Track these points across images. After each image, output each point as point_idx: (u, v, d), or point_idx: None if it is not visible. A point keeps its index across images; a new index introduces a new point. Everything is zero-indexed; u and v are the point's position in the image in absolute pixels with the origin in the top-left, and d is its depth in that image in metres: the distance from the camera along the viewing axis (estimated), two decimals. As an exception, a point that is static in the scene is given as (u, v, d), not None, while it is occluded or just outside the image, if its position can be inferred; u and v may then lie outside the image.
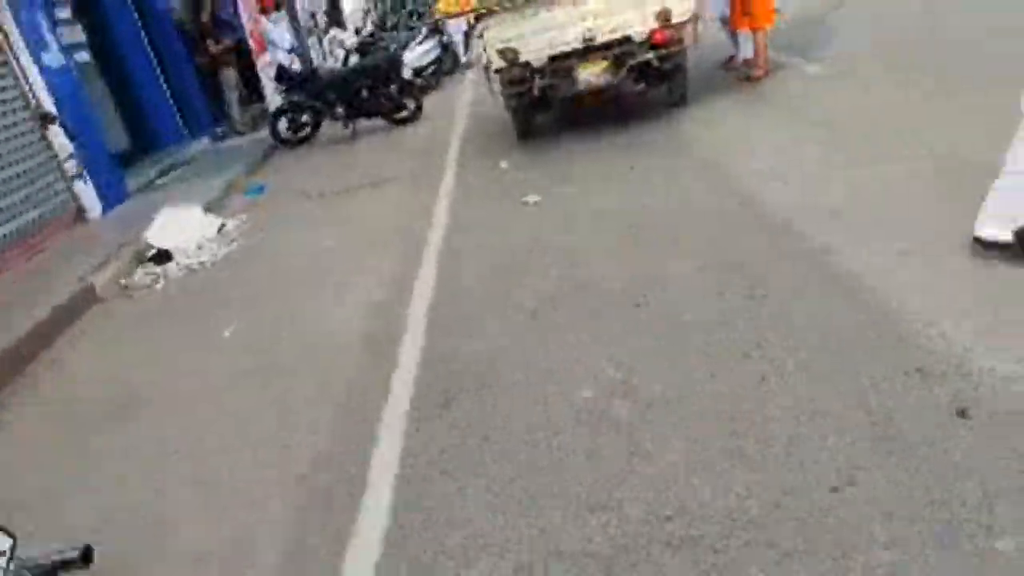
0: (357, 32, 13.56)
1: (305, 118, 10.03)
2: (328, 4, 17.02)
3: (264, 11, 12.47)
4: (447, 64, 12.65)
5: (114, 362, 4.60)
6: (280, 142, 10.05)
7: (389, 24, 13.97)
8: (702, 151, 5.83)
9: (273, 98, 10.86)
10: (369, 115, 9.78)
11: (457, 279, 4.46)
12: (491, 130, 8.13)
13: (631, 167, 5.76)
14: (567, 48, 6.33)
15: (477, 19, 6.31)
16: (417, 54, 11.43)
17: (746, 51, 7.85)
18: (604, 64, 6.39)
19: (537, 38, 6.30)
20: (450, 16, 6.49)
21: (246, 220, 7.16)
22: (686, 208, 4.74)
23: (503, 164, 6.70)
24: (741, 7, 7.22)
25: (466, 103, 10.42)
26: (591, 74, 6.40)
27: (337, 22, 16.00)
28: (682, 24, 6.23)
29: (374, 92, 9.66)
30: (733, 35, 7.85)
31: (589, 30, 6.21)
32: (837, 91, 6.60)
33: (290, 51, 12.46)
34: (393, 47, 10.99)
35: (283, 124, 10.05)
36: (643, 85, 6.77)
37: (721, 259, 3.86)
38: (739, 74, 7.67)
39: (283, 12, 13.94)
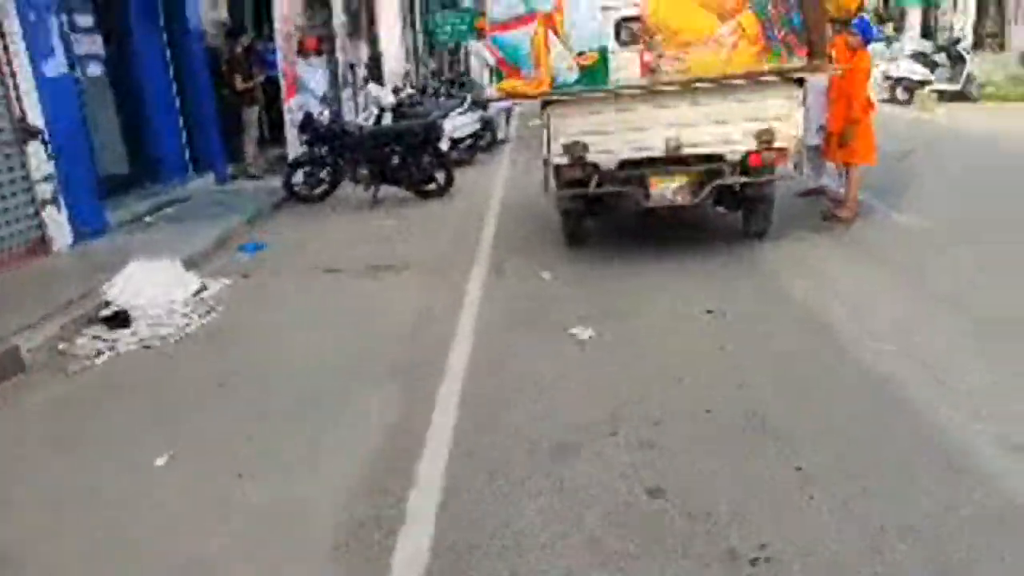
0: (396, 92, 12.80)
1: (324, 174, 9.07)
2: (370, 58, 16.43)
3: (303, 53, 11.71)
4: (485, 139, 11.81)
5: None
6: (292, 195, 9.05)
7: (430, 89, 13.24)
8: (799, 303, 4.75)
9: (294, 146, 9.92)
10: (395, 182, 8.81)
11: (479, 460, 3.25)
12: (531, 225, 7.11)
13: (708, 310, 4.67)
14: (645, 155, 5.36)
15: (544, 104, 5.33)
16: (456, 124, 10.57)
17: (832, 186, 6.95)
18: (684, 179, 5.39)
19: (612, 137, 5.34)
20: (516, 97, 5.53)
21: (232, 286, 6.03)
22: (796, 387, 3.61)
23: (545, 275, 5.62)
24: (839, 137, 6.30)
25: (502, 184, 9.47)
26: (668, 189, 5.39)
27: (376, 78, 15.34)
28: (784, 149, 5.28)
29: (404, 158, 8.71)
30: (821, 166, 6.93)
31: (675, 138, 5.24)
32: (946, 250, 5.64)
33: (322, 99, 11.63)
34: (434, 114, 10.13)
35: (299, 176, 9.08)
36: (722, 209, 5.79)
37: (881, 506, 2.68)
38: (823, 211, 6.70)
39: (323, 58, 13.24)
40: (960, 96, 14.51)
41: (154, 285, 5.69)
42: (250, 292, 5.89)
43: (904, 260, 5.51)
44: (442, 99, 12.54)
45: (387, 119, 11.28)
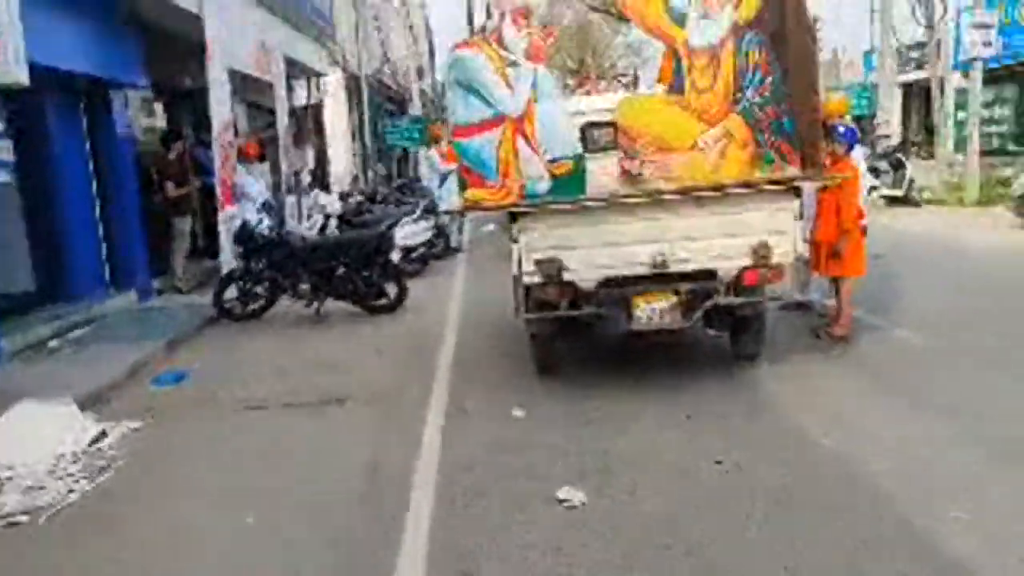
0: (343, 198, 12.18)
1: (261, 289, 8.20)
2: (316, 164, 15.91)
3: (244, 159, 11.04)
4: (438, 247, 11.19)
5: None
6: (223, 313, 8.12)
7: (380, 196, 12.67)
8: (820, 449, 4.02)
9: (229, 258, 9.06)
10: (340, 297, 7.99)
11: None
12: (496, 346, 6.32)
13: (717, 460, 3.89)
14: (628, 272, 4.71)
15: (513, 217, 4.68)
16: (408, 232, 9.91)
17: (818, 301, 6.45)
18: (672, 299, 4.74)
19: (590, 253, 4.69)
20: (482, 209, 4.87)
21: (139, 431, 5.00)
22: (824, 546, 2.82)
23: (517, 412, 4.79)
24: (829, 249, 5.81)
25: (459, 297, 8.74)
26: (654, 311, 4.73)
27: (323, 184, 14.75)
28: (781, 266, 4.70)
29: (351, 271, 7.93)
30: (807, 279, 6.43)
31: (661, 254, 4.62)
32: (954, 366, 5.19)
33: (263, 207, 10.88)
34: (384, 222, 9.48)
35: (232, 292, 8.18)
36: (712, 331, 5.15)
37: None
38: (816, 328, 6.13)
39: (265, 164, 12.62)
40: (904, 201, 14.76)
41: (39, 437, 4.64)
42: (159, 440, 4.86)
43: (915, 382, 4.95)
44: (392, 206, 11.94)
45: (333, 227, 10.59)
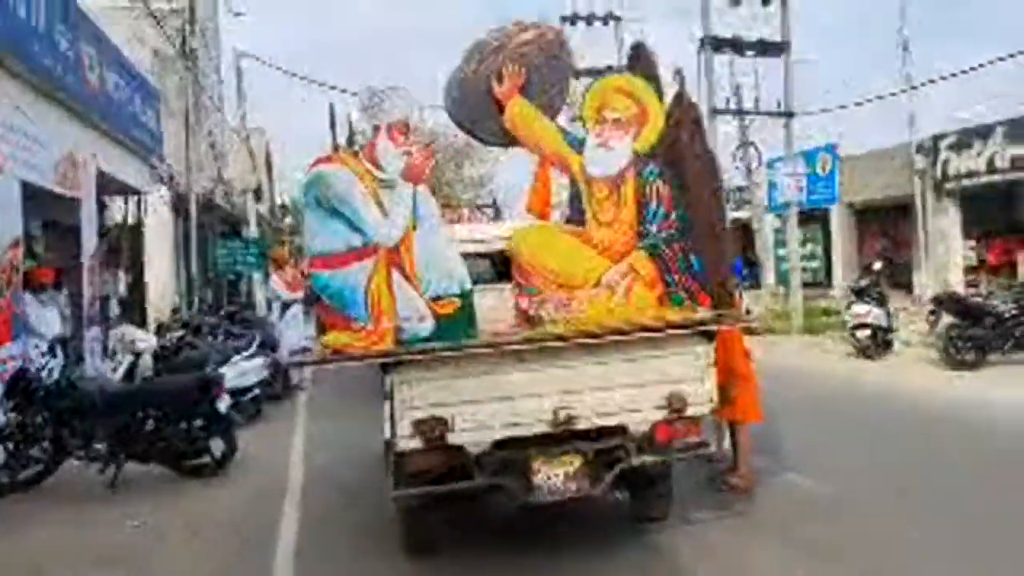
0: (161, 331, 10.51)
1: (38, 450, 6.43)
2: (130, 290, 13.95)
3: (34, 287, 9.21)
4: (276, 387, 9.77)
5: None
6: (-21, 486, 6.24)
7: (205, 328, 11.07)
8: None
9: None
10: (146, 459, 6.42)
11: None
12: (355, 520, 5.13)
13: None
14: (526, 432, 3.87)
15: (385, 368, 3.73)
16: (239, 371, 8.50)
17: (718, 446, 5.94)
18: (578, 462, 3.94)
19: (482, 409, 3.83)
20: (346, 358, 3.83)
21: None
22: None
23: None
24: (720, 392, 5.34)
25: (303, 449, 7.39)
26: (558, 477, 3.90)
27: (138, 313, 12.82)
28: (697, 419, 4.10)
29: (164, 425, 6.43)
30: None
31: (564, 408, 3.84)
32: (864, 519, 4.79)
33: (53, 345, 9.03)
34: (211, 360, 8.06)
35: (-2, 455, 6.35)
36: (623, 494, 4.39)
37: None
38: (715, 479, 5.56)
39: (62, 292, 10.72)
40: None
41: None
42: None
43: (832, 539, 4.45)
44: (221, 339, 10.43)
45: (148, 367, 8.91)
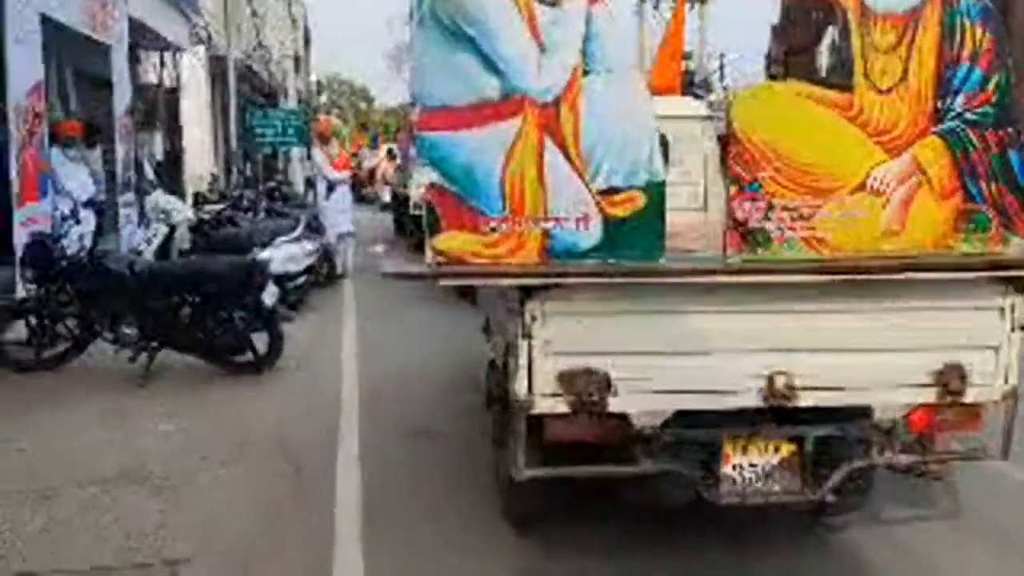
0: (198, 203, 9.58)
1: (63, 328, 5.65)
2: (166, 155, 12.94)
3: (61, 140, 8.23)
4: (321, 275, 8.88)
5: None
6: (1, 360, 5.51)
7: (246, 202, 10.11)
8: None
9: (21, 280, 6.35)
10: (184, 349, 5.60)
11: None
12: (427, 453, 4.27)
13: None
14: (719, 404, 2.78)
15: (526, 291, 2.61)
16: (285, 256, 7.58)
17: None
18: (788, 452, 2.86)
19: (660, 365, 2.73)
20: (470, 275, 2.69)
21: None
22: None
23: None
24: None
25: (355, 346, 6.54)
26: (757, 470, 2.83)
27: (173, 181, 11.82)
28: (979, 408, 2.95)
29: (203, 313, 5.57)
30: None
31: (782, 373, 2.73)
32: None
33: (85, 207, 8.14)
34: (256, 241, 7.12)
35: (18, 330, 5.58)
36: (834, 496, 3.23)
37: None
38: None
39: (95, 150, 9.77)
40: None
41: None
42: None
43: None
44: (264, 217, 9.47)
45: (185, 239, 8.01)
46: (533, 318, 2.58)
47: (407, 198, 12.20)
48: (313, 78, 38.11)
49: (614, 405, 2.68)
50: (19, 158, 6.86)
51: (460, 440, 4.34)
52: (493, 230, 2.53)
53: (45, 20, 7.23)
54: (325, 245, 8.86)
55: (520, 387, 2.63)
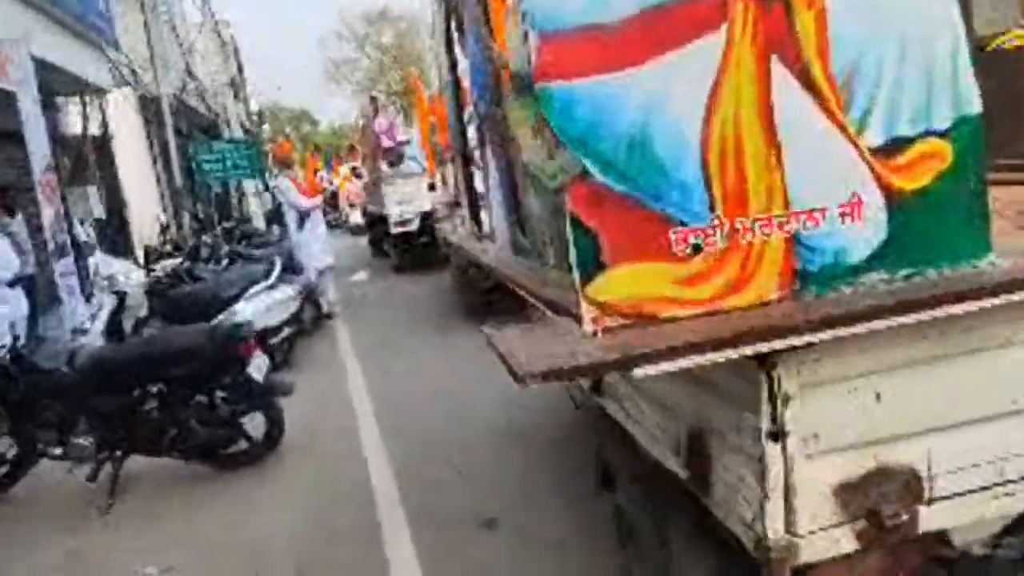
0: (150, 259, 8.22)
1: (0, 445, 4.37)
2: (106, 211, 11.44)
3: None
4: (307, 319, 7.60)
5: None
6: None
7: (204, 250, 8.75)
8: None
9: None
10: (154, 453, 4.34)
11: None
12: (502, 552, 3.09)
13: None
14: None
15: (761, 359, 1.38)
16: (261, 308, 6.30)
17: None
18: None
19: (990, 436, 1.56)
20: (660, 359, 1.47)
21: None
22: None
23: None
24: None
25: (371, 411, 5.29)
26: None
27: (115, 246, 10.32)
28: None
29: (171, 405, 4.29)
30: None
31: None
32: None
33: (11, 285, 6.81)
34: (225, 295, 5.87)
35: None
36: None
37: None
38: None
39: (18, 218, 8.42)
40: None
41: None
42: None
43: None
44: (225, 263, 8.13)
45: (138, 308, 6.66)
46: (787, 400, 1.41)
47: (382, 216, 10.97)
48: (255, 107, 36.39)
49: (927, 520, 1.53)
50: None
51: (545, 530, 3.18)
52: (696, 250, 1.36)
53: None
54: (306, 286, 7.59)
55: (772, 523, 1.47)
